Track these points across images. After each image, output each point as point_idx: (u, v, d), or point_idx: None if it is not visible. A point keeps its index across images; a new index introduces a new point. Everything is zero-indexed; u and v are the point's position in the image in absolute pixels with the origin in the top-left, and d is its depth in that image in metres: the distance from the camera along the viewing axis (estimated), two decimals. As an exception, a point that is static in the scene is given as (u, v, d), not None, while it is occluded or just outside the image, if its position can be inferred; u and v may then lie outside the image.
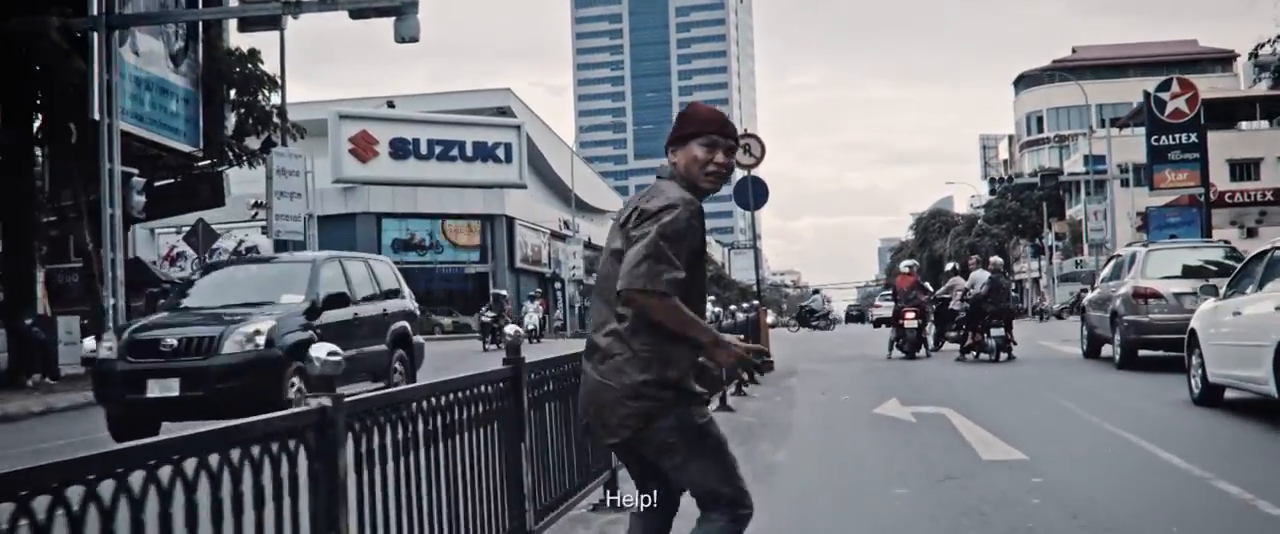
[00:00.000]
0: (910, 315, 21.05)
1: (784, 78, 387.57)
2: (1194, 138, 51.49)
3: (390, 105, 61.95)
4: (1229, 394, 11.75)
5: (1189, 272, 17.68)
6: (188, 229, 30.64)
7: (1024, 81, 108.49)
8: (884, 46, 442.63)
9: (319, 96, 60.25)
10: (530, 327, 37.81)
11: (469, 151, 62.22)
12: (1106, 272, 20.17)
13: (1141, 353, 17.58)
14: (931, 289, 23.10)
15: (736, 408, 13.26)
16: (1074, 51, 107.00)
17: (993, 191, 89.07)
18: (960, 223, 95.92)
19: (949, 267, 24.03)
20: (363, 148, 59.67)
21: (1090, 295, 20.88)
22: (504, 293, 35.61)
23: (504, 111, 66.54)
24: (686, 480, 3.79)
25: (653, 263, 3.56)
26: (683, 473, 3.75)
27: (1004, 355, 19.66)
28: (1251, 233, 58.45)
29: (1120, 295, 17.98)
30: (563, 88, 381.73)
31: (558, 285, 69.90)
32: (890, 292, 22.90)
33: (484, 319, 35.40)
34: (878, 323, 63.28)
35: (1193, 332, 12.15)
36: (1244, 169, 77.06)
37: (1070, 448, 9.66)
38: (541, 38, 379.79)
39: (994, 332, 19.57)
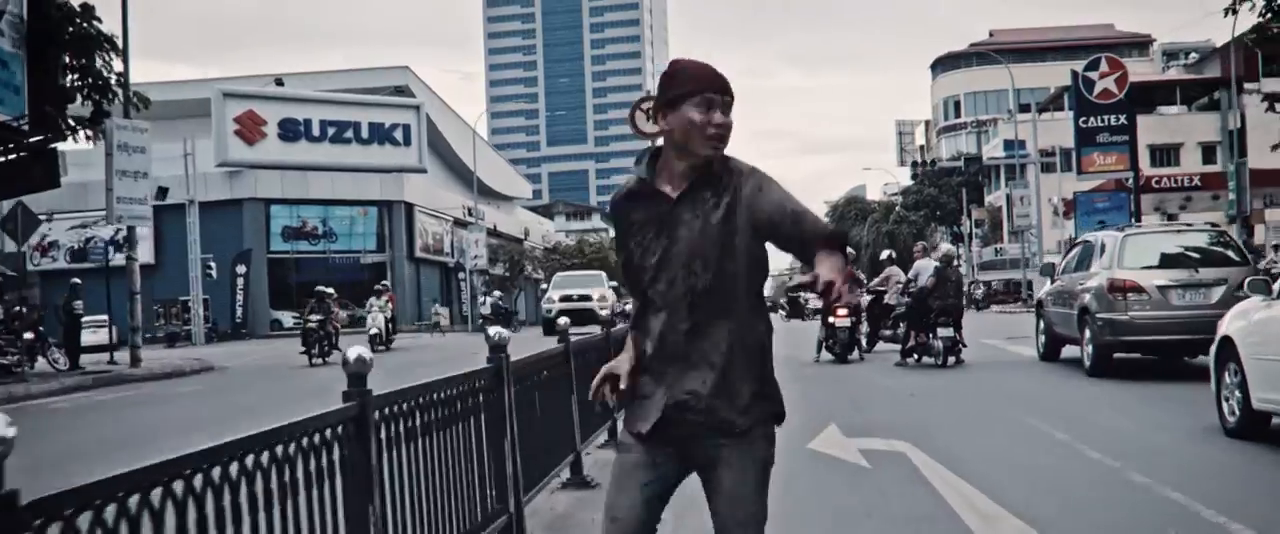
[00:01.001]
0: (843, 312, 18.11)
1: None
2: (1123, 119, 49.50)
3: (279, 83, 58.12)
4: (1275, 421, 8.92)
5: (1169, 260, 14.93)
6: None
7: (941, 65, 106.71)
8: (799, 34, 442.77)
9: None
10: (373, 330, 30.91)
11: (365, 133, 58.59)
12: (1071, 260, 17.33)
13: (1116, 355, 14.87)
14: (866, 281, 20.10)
15: (597, 481, 9.93)
16: (991, 35, 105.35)
17: (915, 176, 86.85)
18: (877, 210, 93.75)
19: (885, 255, 21.09)
20: (249, 129, 55.86)
21: (1048, 288, 18.09)
22: (329, 290, 28.55)
23: (402, 91, 62.83)
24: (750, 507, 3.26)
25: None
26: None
27: (952, 359, 16.80)
28: (1172, 219, 56.40)
29: (1091, 289, 15.18)
30: (476, 75, 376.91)
31: (461, 275, 66.38)
32: None
33: (308, 324, 26.30)
34: (809, 313, 61.19)
35: (1227, 341, 9.25)
36: (1165, 154, 75.66)
37: (1096, 516, 6.70)
38: (453, 23, 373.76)
39: (941, 331, 16.68)
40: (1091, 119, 49.41)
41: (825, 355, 18.69)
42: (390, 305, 31.82)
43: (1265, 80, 76.63)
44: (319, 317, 26.54)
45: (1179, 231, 16.49)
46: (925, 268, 17.61)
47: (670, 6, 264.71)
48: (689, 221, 3.24)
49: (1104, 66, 48.98)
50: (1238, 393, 9.01)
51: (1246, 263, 14.98)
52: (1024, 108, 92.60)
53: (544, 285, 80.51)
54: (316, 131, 57.16)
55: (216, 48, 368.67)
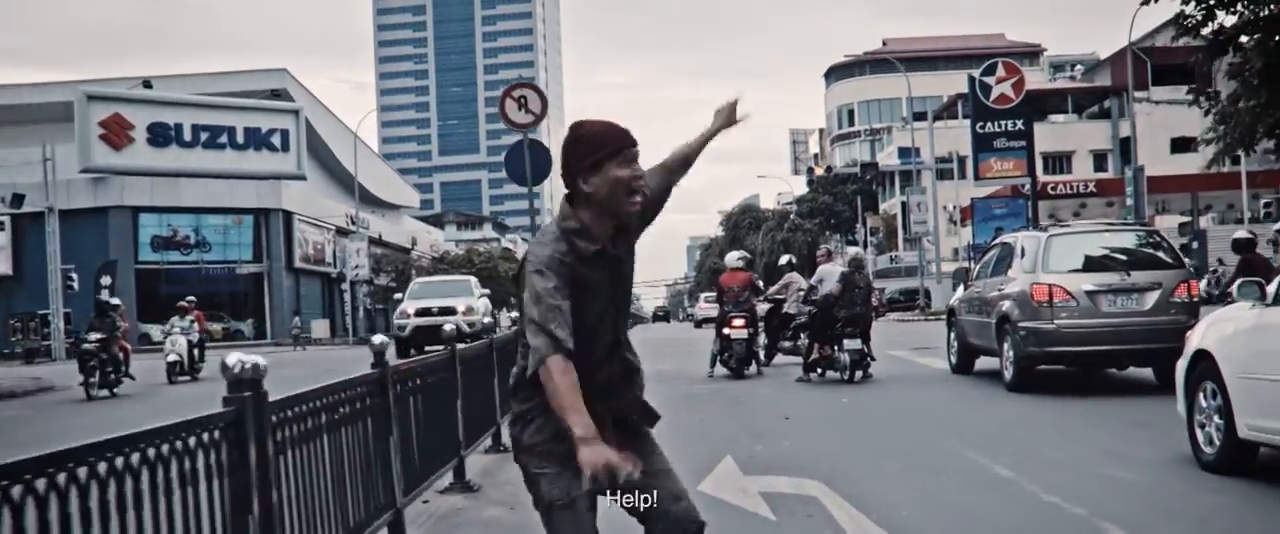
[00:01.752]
0: (739, 323, 16.41)
1: (592, 75, 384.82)
2: (1020, 125, 48.71)
3: (147, 85, 55.13)
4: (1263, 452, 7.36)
5: (1097, 263, 13.47)
6: None
7: (835, 74, 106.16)
8: (691, 46, 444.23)
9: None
10: (172, 356, 24.04)
11: (240, 138, 55.91)
12: (987, 263, 15.82)
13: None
14: (765, 288, 18.47)
15: (479, 484, 8.39)
16: (885, 44, 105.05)
17: (810, 184, 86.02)
18: (772, 218, 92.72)
19: (784, 260, 19.44)
20: (116, 133, 52.90)
21: (960, 294, 16.59)
22: (115, 302, 22.91)
23: (279, 94, 60.13)
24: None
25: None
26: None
27: (860, 374, 15.17)
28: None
29: (1012, 296, 13.67)
30: (367, 84, 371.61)
31: (344, 287, 63.81)
32: (715, 292, 17.90)
33: (85, 346, 20.47)
34: (700, 323, 59.98)
35: (1202, 356, 7.67)
36: (1057, 162, 75.67)
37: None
38: (343, 33, 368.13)
39: (848, 343, 15.03)
40: (989, 124, 48.56)
41: (719, 370, 17.01)
42: (196, 325, 25.31)
43: (1155, 88, 77.55)
44: (100, 335, 20.56)
45: (1106, 231, 15.01)
46: (830, 273, 15.98)
47: (563, 17, 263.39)
48: (616, 270, 3.51)
49: (1001, 71, 48.18)
50: (1217, 419, 7.44)
51: (1181, 266, 13.58)
52: (919, 116, 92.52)
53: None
54: (188, 136, 54.33)
55: (99, 56, 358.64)
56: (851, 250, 16.93)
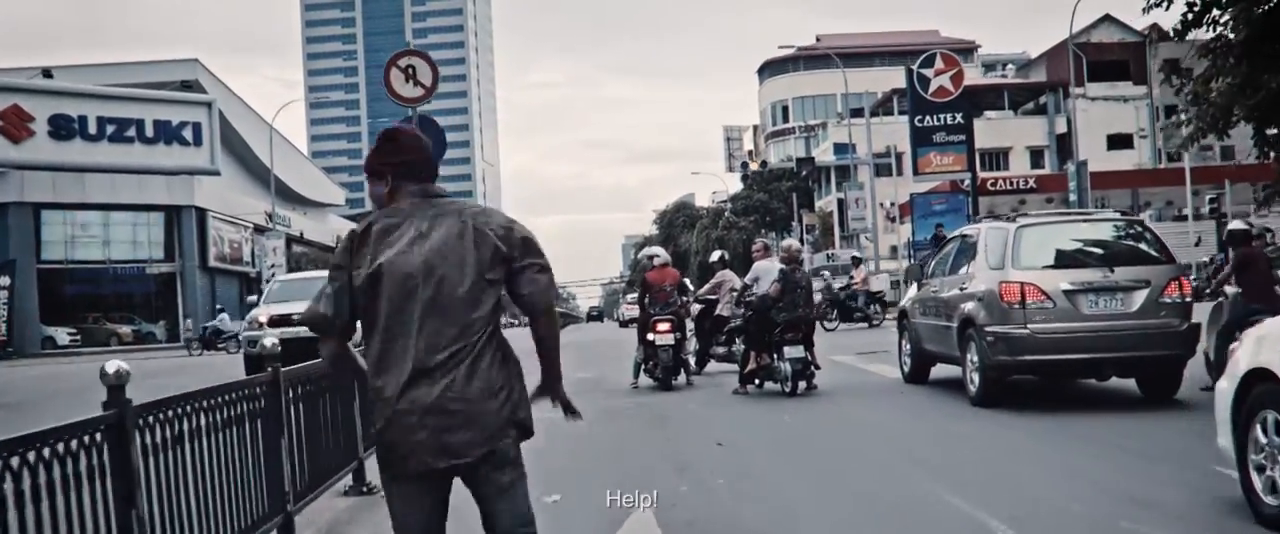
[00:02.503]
0: (664, 328, 14.54)
1: (525, 74, 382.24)
2: (959, 118, 47.33)
3: (47, 75, 52.29)
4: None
5: (1074, 258, 11.75)
6: None
7: (769, 70, 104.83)
8: (624, 45, 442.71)
9: None
10: None
11: (149, 132, 53.08)
12: (944, 258, 14.04)
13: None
14: (692, 288, 16.57)
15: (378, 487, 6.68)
16: (819, 40, 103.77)
17: (746, 179, 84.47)
18: (706, 215, 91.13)
19: (716, 256, 17.52)
20: (14, 125, 49.93)
21: (912, 294, 14.85)
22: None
23: (190, 86, 57.39)
24: (515, 502, 3.80)
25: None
26: (514, 493, 3.78)
27: (803, 385, 13.34)
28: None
29: (977, 295, 11.89)
30: (295, 82, 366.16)
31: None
32: (638, 291, 15.84)
33: None
34: (625, 323, 58.22)
35: (1259, 376, 5.87)
36: (993, 158, 74.61)
37: None
38: (271, 29, 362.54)
39: (789, 351, 13.18)
40: (927, 118, 47.13)
41: (644, 380, 15.14)
42: None
43: (1090, 84, 76.84)
44: None
45: (1083, 221, 13.18)
46: (767, 271, 14.14)
47: (495, 15, 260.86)
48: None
49: (939, 64, 46.75)
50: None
51: (1170, 260, 11.84)
52: (855, 112, 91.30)
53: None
54: (93, 129, 51.43)
55: (18, 50, 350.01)
56: (787, 242, 14.90)
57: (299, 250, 67.89)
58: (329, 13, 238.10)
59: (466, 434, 3.60)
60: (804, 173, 74.80)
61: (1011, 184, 55.38)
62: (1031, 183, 56.48)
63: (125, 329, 54.80)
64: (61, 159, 50.68)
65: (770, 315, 13.33)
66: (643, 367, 15.08)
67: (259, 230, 60.90)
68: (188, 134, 54.16)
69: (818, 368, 13.53)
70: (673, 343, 14.61)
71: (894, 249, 60.01)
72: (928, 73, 46.60)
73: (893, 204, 65.52)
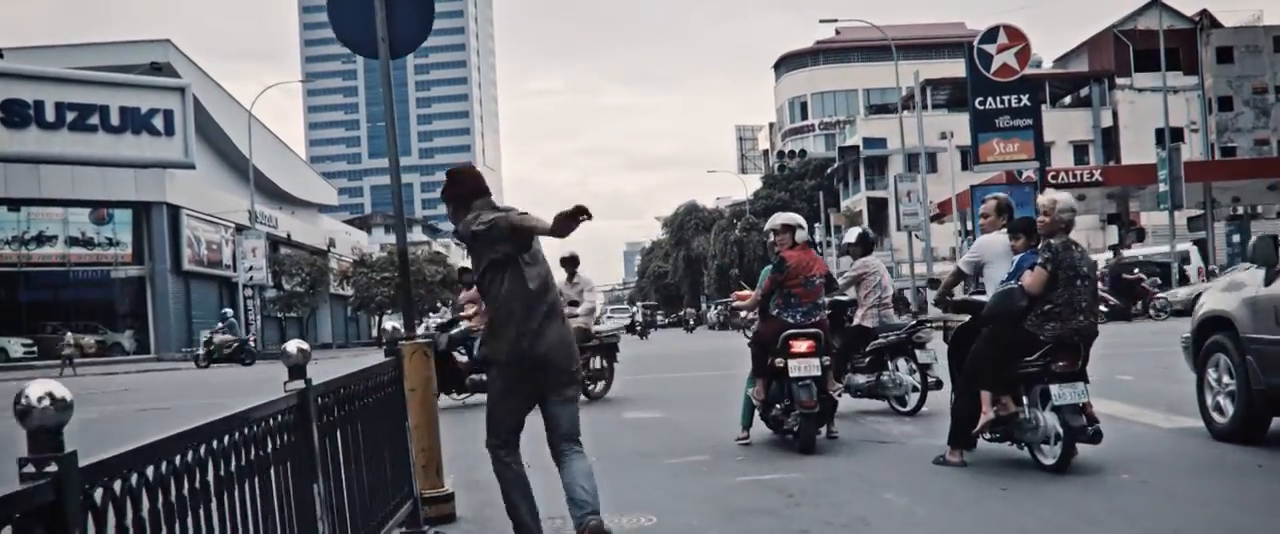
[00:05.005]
0: (804, 347, 8.92)
1: (525, 82, 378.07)
2: (1026, 101, 41.92)
3: (-2, 55, 46.92)
4: None
5: None
6: None
7: (785, 65, 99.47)
8: (625, 51, 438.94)
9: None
10: None
11: (114, 119, 47.66)
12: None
13: None
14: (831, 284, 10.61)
15: None
16: (838, 33, 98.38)
17: (782, 168, 78.90)
18: (725, 216, 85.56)
19: (851, 234, 11.64)
20: (-39, 112, 44.65)
21: (1238, 290, 8.83)
22: None
23: (160, 69, 51.76)
24: (574, 413, 5.74)
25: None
26: (574, 406, 5.78)
27: (1058, 449, 7.62)
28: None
29: None
30: (295, 90, 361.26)
31: (248, 293, 55.74)
32: (766, 283, 9.53)
33: None
34: (636, 328, 53.14)
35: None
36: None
37: None
38: (272, 36, 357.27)
39: (1059, 393, 7.45)
40: (989, 100, 41.67)
41: (759, 429, 9.59)
42: None
43: (1137, 75, 71.40)
44: None
45: None
46: (996, 248, 8.50)
47: (496, 18, 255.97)
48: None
49: (1003, 38, 41.32)
50: None
51: None
52: (877, 108, 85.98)
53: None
54: (51, 116, 45.95)
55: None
56: (1048, 196, 8.37)
57: (286, 253, 62.39)
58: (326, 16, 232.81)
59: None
60: (842, 162, 69.25)
61: (1074, 176, 49.70)
62: (1096, 175, 50.85)
63: (88, 339, 49.21)
64: (14, 149, 45.30)
65: (1026, 328, 7.66)
66: (760, 407, 9.46)
67: (241, 230, 55.35)
68: (158, 123, 48.69)
69: (1094, 421, 7.76)
70: (820, 373, 9.02)
71: (954, 250, 54.30)
72: (989, 49, 41.17)
73: (932, 202, 60.06)
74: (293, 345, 4.48)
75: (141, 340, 50.77)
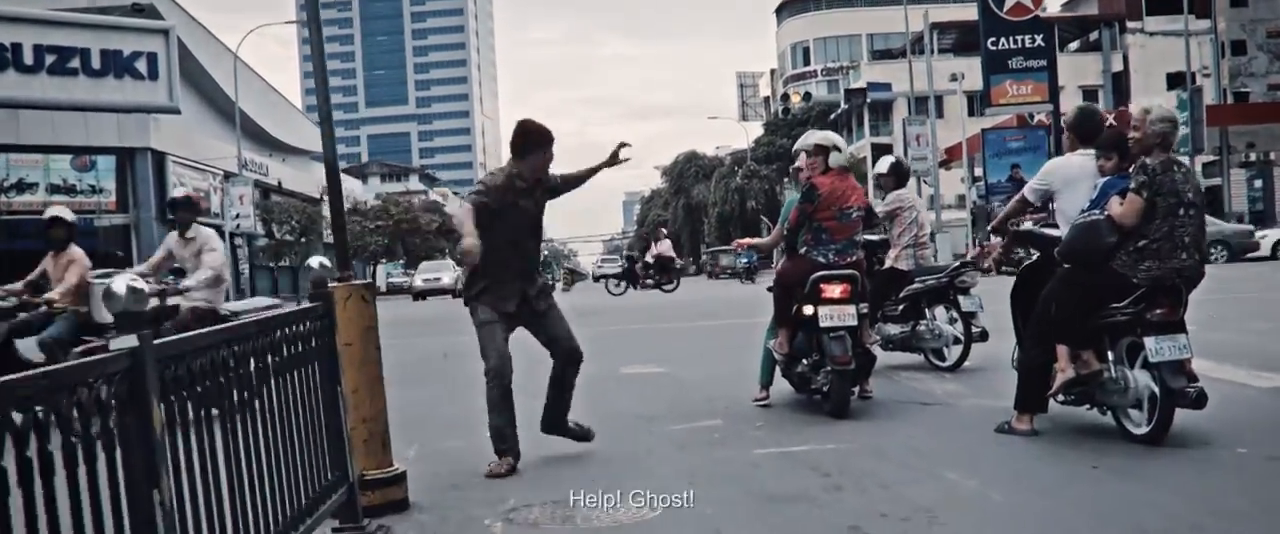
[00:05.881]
0: (841, 293, 7.46)
1: (525, 31, 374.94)
2: (1040, 41, 40.37)
3: (-30, -4, 45.05)
4: None
5: None
6: None
7: (787, 9, 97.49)
8: (623, 2, 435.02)
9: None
10: None
11: (95, 63, 45.78)
12: None
13: None
14: (872, 218, 8.96)
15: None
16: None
17: (785, 111, 77.25)
18: (725, 163, 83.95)
19: (884, 164, 10.11)
20: (-66, 55, 42.99)
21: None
22: None
23: (143, 9, 49.98)
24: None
25: None
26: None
27: (1145, 420, 6.24)
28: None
29: None
30: (291, 40, 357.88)
31: (238, 242, 54.30)
32: (791, 215, 8.03)
33: None
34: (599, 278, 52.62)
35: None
36: (1044, 98, 67.52)
37: None
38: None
39: (1156, 346, 6.05)
40: (1002, 41, 40.14)
41: (780, 387, 8.18)
42: None
43: (1149, 19, 69.67)
44: None
45: None
46: (1071, 172, 7.00)
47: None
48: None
49: (1016, -25, 39.77)
50: None
51: None
52: (880, 54, 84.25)
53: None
54: (30, 59, 44.19)
55: None
56: (1143, 105, 6.93)
57: (276, 200, 60.82)
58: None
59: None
60: (847, 106, 67.76)
61: (1088, 121, 48.04)
62: (1109, 120, 49.16)
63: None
64: (-8, 94, 43.59)
65: (1114, 268, 6.22)
66: (785, 364, 8.02)
67: (230, 177, 53.77)
68: (141, 66, 46.86)
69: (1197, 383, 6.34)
70: (856, 323, 7.58)
71: (963, 198, 52.81)
72: (1003, -14, 39.61)
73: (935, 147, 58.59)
74: (120, 282, 3.15)
75: (127, 291, 49.30)
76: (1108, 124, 7.45)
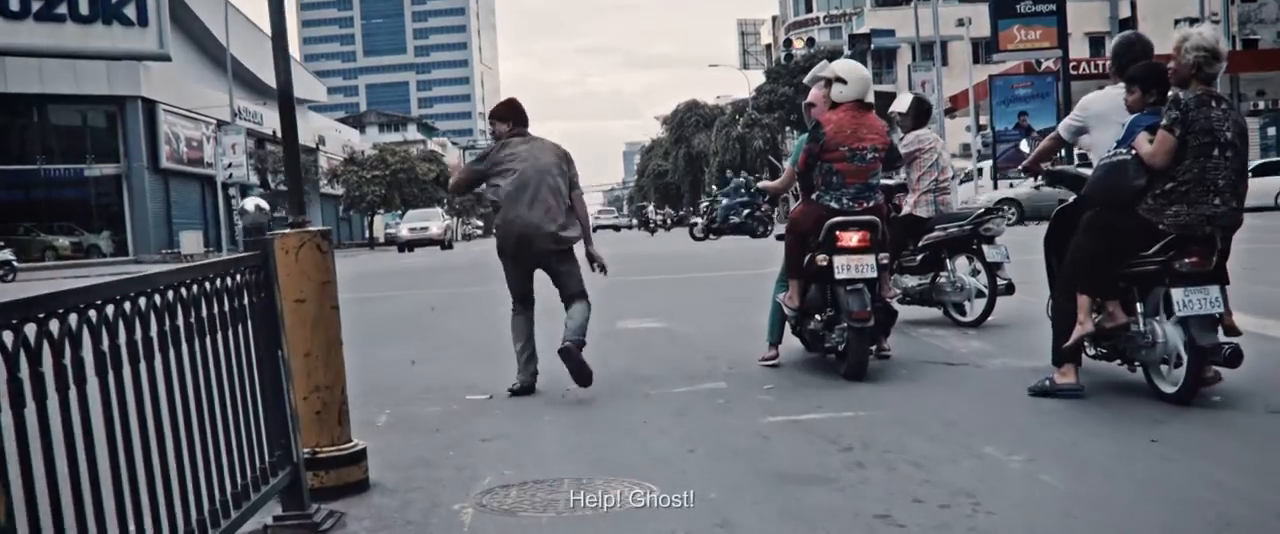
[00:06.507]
0: (859, 240, 6.74)
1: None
2: (1050, -17, 39.47)
3: (-46, -61, 44.03)
4: None
5: None
6: None
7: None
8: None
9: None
10: None
11: (84, 8, 44.75)
12: None
13: None
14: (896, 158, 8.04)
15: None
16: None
17: (788, 56, 76.17)
18: (726, 112, 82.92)
19: (902, 102, 9.34)
20: (-83, 2, 42.06)
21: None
22: None
23: (130, -48, 48.88)
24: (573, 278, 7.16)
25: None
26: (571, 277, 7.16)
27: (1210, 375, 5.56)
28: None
29: None
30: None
31: (233, 193, 53.48)
32: (799, 153, 7.24)
33: None
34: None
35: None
36: (1050, 45, 66.44)
37: None
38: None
39: (1185, 298, 5.44)
40: (1010, -17, 39.19)
41: (790, 345, 7.47)
42: None
43: (1158, -38, 68.40)
44: None
45: None
46: (1099, 100, 6.42)
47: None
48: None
49: (1025, -84, 38.78)
50: None
51: None
52: (883, 1, 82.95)
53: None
54: (16, 5, 43.14)
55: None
56: (1194, 32, 6.25)
57: (272, 150, 59.92)
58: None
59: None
60: (851, 52, 66.62)
61: (1094, 67, 47.20)
62: (1117, 66, 48.25)
63: (63, 241, 47.11)
64: (-22, 41, 42.67)
65: (1140, 213, 5.54)
66: (792, 320, 7.34)
67: (222, 126, 52.87)
68: (130, 11, 45.83)
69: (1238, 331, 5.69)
70: (876, 275, 6.85)
71: (967, 147, 51.89)
72: (1011, -73, 38.64)
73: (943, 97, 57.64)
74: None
75: (119, 242, 48.63)
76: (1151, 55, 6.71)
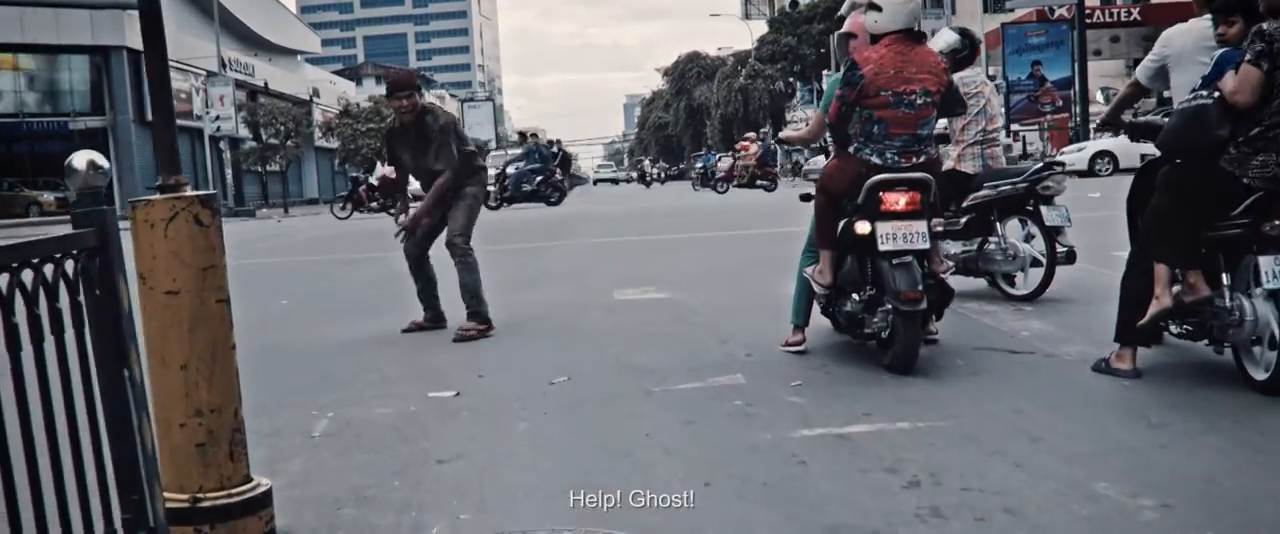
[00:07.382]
0: (902, 201, 5.51)
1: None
2: (1065, -74, 37.99)
3: (-73, -119, 42.54)
4: None
5: None
6: None
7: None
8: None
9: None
10: None
11: (65, -45, 43.38)
12: None
13: None
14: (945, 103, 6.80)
15: None
16: None
17: (793, 4, 74.49)
18: (728, 63, 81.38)
19: (942, 41, 7.78)
20: (-108, -54, 40.39)
21: None
22: None
23: (112, -105, 47.37)
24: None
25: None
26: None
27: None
28: (1097, 55, 44.98)
29: None
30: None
31: (222, 147, 52.25)
32: (833, 97, 6.00)
33: None
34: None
35: None
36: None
37: None
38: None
39: (1274, 267, 4.45)
40: (1024, -74, 37.73)
41: (819, 326, 6.28)
42: None
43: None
44: None
45: None
46: (1181, 35, 5.37)
47: None
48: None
49: None
50: None
51: None
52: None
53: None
54: (-6, -49, 41.94)
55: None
56: None
57: (264, 102, 58.51)
58: None
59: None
60: (846, 8, 64.83)
61: (1109, 15, 45.70)
62: (1134, 14, 46.74)
63: (47, 196, 45.86)
64: (-45, -11, 41.17)
65: (1223, 166, 4.39)
66: (822, 300, 6.13)
67: (212, 78, 51.48)
68: (112, -42, 44.40)
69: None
70: (928, 245, 5.60)
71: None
72: None
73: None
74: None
75: (107, 196, 47.34)
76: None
